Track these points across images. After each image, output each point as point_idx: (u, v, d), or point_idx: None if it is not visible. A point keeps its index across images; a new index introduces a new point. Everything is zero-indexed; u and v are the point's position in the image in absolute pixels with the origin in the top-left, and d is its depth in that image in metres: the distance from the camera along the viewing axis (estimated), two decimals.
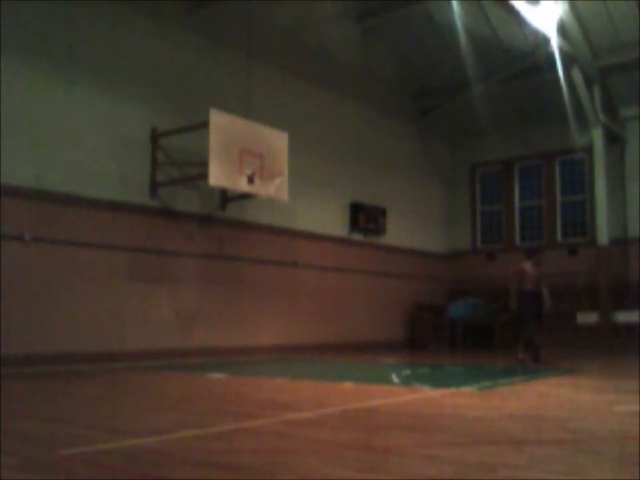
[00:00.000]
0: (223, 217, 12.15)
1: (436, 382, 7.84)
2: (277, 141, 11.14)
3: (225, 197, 11.99)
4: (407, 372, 9.20)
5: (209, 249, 11.91)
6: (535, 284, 10.50)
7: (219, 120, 10.15)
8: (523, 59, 15.44)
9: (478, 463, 3.30)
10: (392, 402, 5.86)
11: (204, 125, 10.08)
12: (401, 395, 6.39)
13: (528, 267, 10.59)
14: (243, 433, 4.25)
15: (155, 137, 11.02)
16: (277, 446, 3.83)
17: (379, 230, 16.01)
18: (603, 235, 15.38)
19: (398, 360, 11.94)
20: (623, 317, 15.33)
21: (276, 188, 11.00)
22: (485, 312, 16.37)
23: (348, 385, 7.40)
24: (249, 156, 10.51)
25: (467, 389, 6.86)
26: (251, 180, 10.54)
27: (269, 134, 11.03)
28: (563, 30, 13.71)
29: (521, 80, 16.10)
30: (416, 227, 17.53)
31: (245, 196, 11.49)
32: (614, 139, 16.33)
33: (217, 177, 10.02)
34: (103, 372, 9.01)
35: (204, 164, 10.04)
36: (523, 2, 12.25)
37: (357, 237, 15.49)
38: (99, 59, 10.55)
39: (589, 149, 16.09)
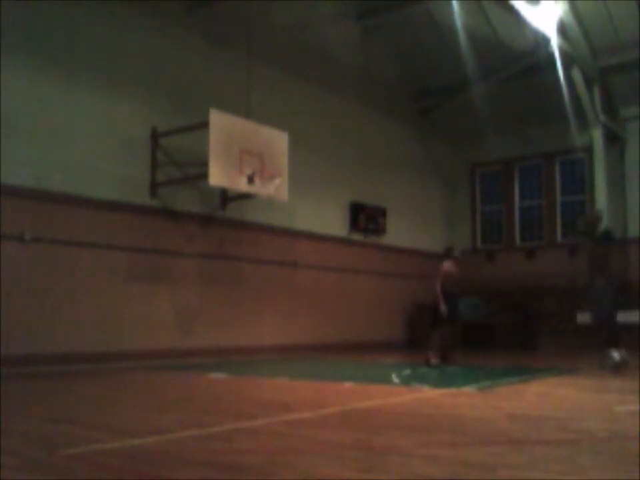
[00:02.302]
0: (223, 217, 12.14)
1: (436, 382, 7.85)
2: (277, 140, 11.14)
3: (225, 197, 11.99)
4: (407, 372, 9.20)
5: (209, 249, 11.91)
6: (457, 284, 10.35)
7: (219, 120, 10.15)
8: (523, 58, 15.44)
9: (478, 463, 3.30)
10: (392, 402, 5.86)
11: (204, 124, 10.08)
12: (401, 395, 6.39)
13: (450, 266, 10.39)
14: (242, 433, 4.25)
15: (155, 137, 11.02)
16: (277, 446, 3.83)
17: (379, 230, 16.01)
18: None
19: (398, 360, 11.94)
20: (623, 317, 15.31)
21: (276, 188, 11.00)
22: (485, 312, 16.37)
23: (348, 384, 7.40)
24: (248, 156, 10.51)
25: (467, 389, 6.86)
26: (251, 180, 10.53)
27: (268, 134, 11.03)
28: (563, 30, 13.69)
29: (521, 80, 16.08)
30: (416, 227, 17.52)
31: (245, 196, 11.49)
32: (614, 139, 16.32)
33: (216, 177, 10.02)
34: (102, 372, 9.01)
35: (204, 164, 10.04)
36: (522, 2, 12.25)
37: (357, 236, 15.49)
38: (99, 58, 10.55)
39: (589, 149, 16.08)
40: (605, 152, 15.66)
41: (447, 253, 10.65)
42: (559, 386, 7.37)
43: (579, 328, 15.98)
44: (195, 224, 11.71)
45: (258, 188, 10.74)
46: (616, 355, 8.71)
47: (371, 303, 15.53)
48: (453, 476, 3.06)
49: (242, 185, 10.53)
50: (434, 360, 9.89)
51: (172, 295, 11.22)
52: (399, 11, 14.86)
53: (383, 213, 16.12)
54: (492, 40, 15.47)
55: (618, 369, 8.51)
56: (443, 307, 10.01)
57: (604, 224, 13.39)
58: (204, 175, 10.05)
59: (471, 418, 4.90)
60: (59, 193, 9.82)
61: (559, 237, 17.46)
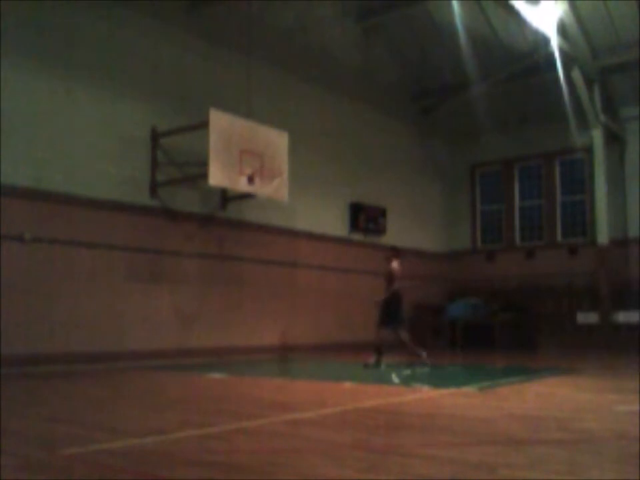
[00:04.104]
0: (223, 217, 12.15)
1: (436, 382, 7.84)
2: (277, 140, 11.14)
3: (225, 197, 11.99)
4: (407, 372, 9.20)
5: (209, 248, 11.90)
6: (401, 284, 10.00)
7: (218, 120, 10.15)
8: (522, 59, 15.44)
9: (478, 463, 3.30)
10: (392, 402, 5.86)
11: (204, 124, 10.07)
12: (401, 395, 6.39)
13: (398, 265, 10.03)
14: (243, 433, 4.25)
15: (155, 136, 11.02)
16: (277, 446, 3.83)
17: (379, 230, 16.01)
18: (603, 235, 15.37)
19: (398, 360, 11.93)
20: (623, 317, 15.33)
21: (276, 188, 11.00)
22: (485, 312, 16.37)
23: (348, 385, 7.40)
24: (249, 156, 10.51)
25: (467, 389, 6.86)
26: (250, 180, 10.53)
27: (268, 134, 11.03)
28: (563, 30, 13.70)
29: (521, 80, 16.09)
30: (416, 227, 17.51)
31: (245, 196, 11.49)
32: (614, 139, 16.33)
33: (216, 177, 10.02)
34: (102, 372, 9.01)
35: (204, 164, 10.04)
36: (522, 2, 12.24)
37: (357, 236, 15.48)
38: (99, 58, 10.55)
39: (589, 149, 16.09)
40: (605, 152, 15.67)
41: (397, 253, 10.22)
42: (559, 386, 7.36)
43: (579, 328, 16.01)
44: (194, 224, 11.71)
45: (258, 188, 10.73)
46: None
47: (371, 303, 15.49)
48: (453, 476, 3.05)
49: (242, 185, 10.52)
50: (423, 356, 9.74)
51: (172, 295, 11.22)
52: (399, 11, 14.87)
53: (383, 213, 16.11)
54: (492, 40, 15.48)
55: None
56: (384, 305, 9.81)
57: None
58: (204, 175, 10.04)
59: (471, 418, 4.90)
60: (59, 193, 9.82)
61: (559, 237, 17.46)
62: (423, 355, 9.82)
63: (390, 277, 10.00)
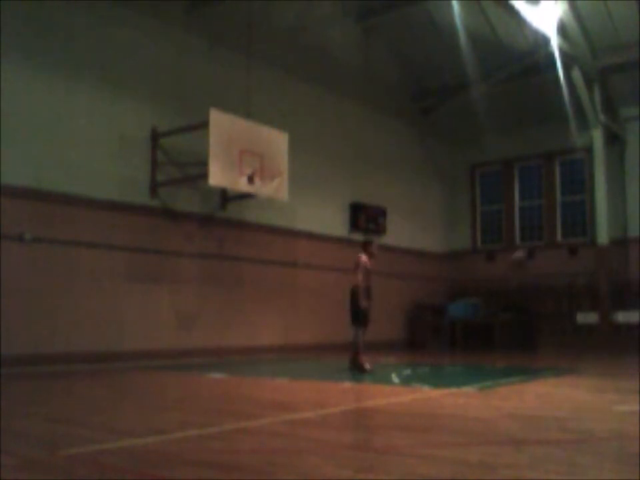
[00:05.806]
0: (223, 216, 12.15)
1: (436, 382, 7.84)
2: (277, 140, 11.14)
3: (225, 197, 11.99)
4: (407, 372, 9.19)
5: (209, 248, 11.91)
6: (369, 279, 9.26)
7: (219, 120, 10.15)
8: (522, 58, 15.44)
9: (478, 463, 3.30)
10: (392, 402, 5.86)
11: (204, 124, 10.08)
12: (401, 395, 6.39)
13: (367, 259, 9.21)
14: (242, 433, 4.25)
15: (155, 136, 11.03)
16: (277, 446, 3.83)
17: (379, 230, 16.00)
18: (603, 235, 15.38)
19: (398, 360, 11.94)
20: (622, 317, 15.34)
21: (276, 188, 11.00)
22: (485, 312, 16.38)
23: (348, 384, 7.40)
24: (249, 156, 10.51)
25: (467, 389, 6.86)
26: (250, 180, 10.54)
27: (268, 134, 11.04)
28: (563, 30, 13.70)
29: (521, 80, 16.09)
30: (416, 227, 17.51)
31: (245, 196, 11.49)
32: (614, 139, 16.33)
33: (216, 177, 10.02)
34: (102, 372, 9.01)
35: (204, 164, 10.04)
36: (522, 2, 12.25)
37: (357, 236, 15.47)
38: (99, 58, 10.55)
39: (589, 149, 16.09)
40: (605, 152, 15.67)
41: (366, 246, 9.41)
42: (559, 386, 7.36)
43: (578, 328, 16.01)
44: (194, 224, 11.71)
45: (258, 188, 10.74)
46: None
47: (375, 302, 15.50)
48: (453, 476, 3.05)
49: (242, 185, 10.53)
50: (368, 365, 8.78)
51: (172, 295, 11.22)
52: (399, 11, 14.87)
53: (383, 212, 16.11)
54: (492, 40, 15.47)
55: None
56: (364, 303, 9.03)
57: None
58: (204, 175, 10.05)
59: (471, 418, 4.90)
60: (59, 193, 9.82)
61: (559, 237, 17.46)
62: (366, 367, 8.74)
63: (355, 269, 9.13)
